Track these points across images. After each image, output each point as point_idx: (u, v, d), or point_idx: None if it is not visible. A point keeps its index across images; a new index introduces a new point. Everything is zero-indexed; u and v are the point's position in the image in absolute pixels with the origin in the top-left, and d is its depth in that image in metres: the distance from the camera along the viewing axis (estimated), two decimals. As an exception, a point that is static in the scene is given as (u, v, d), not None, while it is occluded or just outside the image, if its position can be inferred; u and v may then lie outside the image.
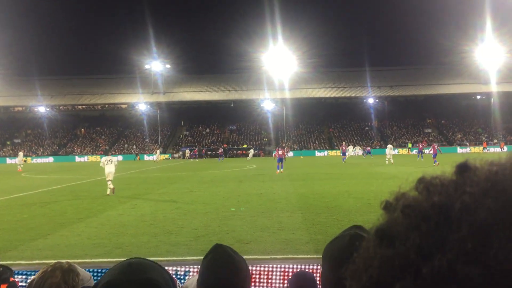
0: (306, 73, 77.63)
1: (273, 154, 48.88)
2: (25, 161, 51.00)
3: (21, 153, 46.06)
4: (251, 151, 62.70)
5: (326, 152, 71.62)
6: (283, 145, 64.22)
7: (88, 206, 14.89)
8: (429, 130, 79.40)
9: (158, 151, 63.40)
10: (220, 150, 60.70)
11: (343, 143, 58.19)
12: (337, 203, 14.00)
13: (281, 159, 30.11)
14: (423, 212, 0.50)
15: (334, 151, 70.18)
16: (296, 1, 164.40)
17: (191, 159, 62.20)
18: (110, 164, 18.47)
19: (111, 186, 17.97)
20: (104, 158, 19.08)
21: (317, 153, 71.28)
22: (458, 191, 0.50)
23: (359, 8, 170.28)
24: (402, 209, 0.52)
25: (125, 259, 1.38)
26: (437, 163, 31.50)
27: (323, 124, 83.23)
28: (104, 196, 17.54)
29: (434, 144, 38.32)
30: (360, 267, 0.53)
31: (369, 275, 0.51)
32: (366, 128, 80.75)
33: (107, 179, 18.17)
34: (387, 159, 38.88)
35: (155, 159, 60.13)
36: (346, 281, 0.55)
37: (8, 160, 69.44)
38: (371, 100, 78.87)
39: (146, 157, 70.28)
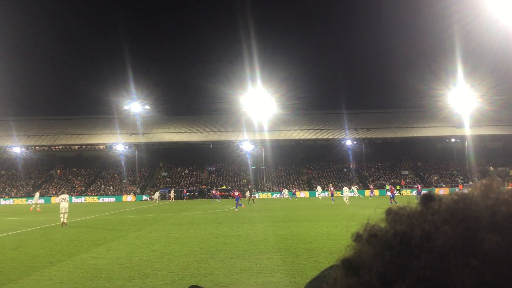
0: (285, 115, 78.61)
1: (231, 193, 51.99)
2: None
3: (37, 193, 45.35)
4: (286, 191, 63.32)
5: (326, 193, 69.60)
6: (248, 185, 66.60)
7: (61, 249, 14.43)
8: (406, 172, 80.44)
9: (157, 192, 63.37)
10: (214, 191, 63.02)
11: (330, 184, 59.03)
12: (317, 245, 13.88)
13: (238, 199, 34.65)
14: (386, 241, 0.52)
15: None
16: (275, 45, 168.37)
17: (213, 200, 56.80)
18: (64, 202, 23.45)
19: (65, 218, 22.80)
20: (60, 197, 24.43)
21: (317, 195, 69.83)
22: (420, 220, 0.52)
23: (337, 52, 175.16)
24: (367, 239, 0.54)
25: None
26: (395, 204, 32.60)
27: (302, 165, 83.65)
28: (78, 238, 17.08)
29: (391, 186, 39.54)
30: None
31: None
32: (345, 169, 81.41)
33: (61, 212, 22.92)
34: (346, 200, 39.91)
35: (156, 200, 59.63)
36: None
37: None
38: (349, 142, 79.86)
39: (144, 197, 70.88)
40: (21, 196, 73.26)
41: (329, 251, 12.55)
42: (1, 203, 68.64)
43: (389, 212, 0.56)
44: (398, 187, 70.87)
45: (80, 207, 48.21)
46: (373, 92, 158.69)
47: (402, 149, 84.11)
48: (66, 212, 22.95)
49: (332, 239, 15.12)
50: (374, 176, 78.68)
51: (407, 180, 76.11)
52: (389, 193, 38.02)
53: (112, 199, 71.16)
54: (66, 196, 24.46)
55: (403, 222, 0.53)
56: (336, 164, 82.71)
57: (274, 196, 64.77)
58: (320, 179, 77.32)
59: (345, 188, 43.73)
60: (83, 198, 71.83)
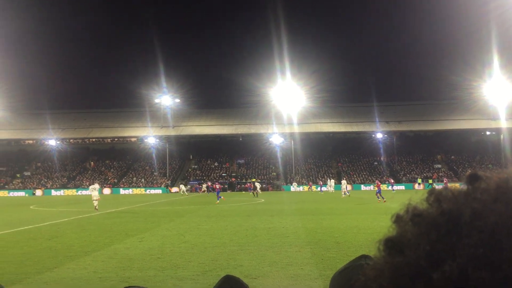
0: (315, 108, 78.02)
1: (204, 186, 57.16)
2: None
3: (96, 185, 46.99)
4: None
5: (371, 186, 69.22)
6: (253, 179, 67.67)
7: (95, 239, 14.79)
8: (439, 166, 78.84)
9: (182, 185, 63.95)
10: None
11: (343, 179, 58.90)
12: (346, 238, 13.80)
13: (219, 191, 37.21)
14: (433, 220, 0.51)
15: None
16: (304, 37, 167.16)
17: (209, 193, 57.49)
18: (95, 191, 28.24)
19: (96, 204, 27.27)
20: (91, 186, 29.31)
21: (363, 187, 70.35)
22: (468, 199, 0.51)
23: (368, 43, 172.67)
24: (411, 218, 0.53)
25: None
26: (383, 199, 32.44)
27: (332, 158, 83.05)
28: (112, 229, 17.46)
29: (378, 181, 39.30)
30: (370, 278, 0.53)
31: (379, 284, 0.51)
32: (375, 163, 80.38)
33: (93, 199, 27.69)
34: (343, 193, 42.44)
35: (186, 192, 60.43)
36: None
37: (16, 193, 72.52)
38: (379, 135, 78.67)
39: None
40: (57, 188, 75.60)
41: (359, 245, 12.46)
42: (52, 194, 71.84)
43: (431, 192, 0.55)
44: (430, 181, 69.70)
45: (123, 198, 49.33)
46: (404, 84, 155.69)
47: (434, 142, 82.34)
48: (97, 200, 27.54)
49: (362, 233, 15.00)
50: (406, 170, 77.45)
51: (440, 174, 74.61)
52: (376, 188, 37.14)
53: (158, 191, 72.87)
54: (96, 185, 29.48)
55: (450, 202, 0.52)
56: (366, 157, 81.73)
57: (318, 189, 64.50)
58: (351, 173, 76.62)
59: (343, 182, 45.63)
60: (130, 190, 74.26)
